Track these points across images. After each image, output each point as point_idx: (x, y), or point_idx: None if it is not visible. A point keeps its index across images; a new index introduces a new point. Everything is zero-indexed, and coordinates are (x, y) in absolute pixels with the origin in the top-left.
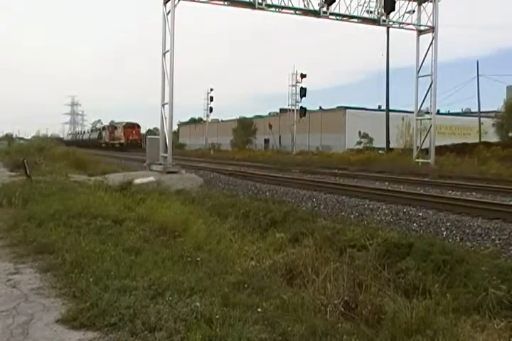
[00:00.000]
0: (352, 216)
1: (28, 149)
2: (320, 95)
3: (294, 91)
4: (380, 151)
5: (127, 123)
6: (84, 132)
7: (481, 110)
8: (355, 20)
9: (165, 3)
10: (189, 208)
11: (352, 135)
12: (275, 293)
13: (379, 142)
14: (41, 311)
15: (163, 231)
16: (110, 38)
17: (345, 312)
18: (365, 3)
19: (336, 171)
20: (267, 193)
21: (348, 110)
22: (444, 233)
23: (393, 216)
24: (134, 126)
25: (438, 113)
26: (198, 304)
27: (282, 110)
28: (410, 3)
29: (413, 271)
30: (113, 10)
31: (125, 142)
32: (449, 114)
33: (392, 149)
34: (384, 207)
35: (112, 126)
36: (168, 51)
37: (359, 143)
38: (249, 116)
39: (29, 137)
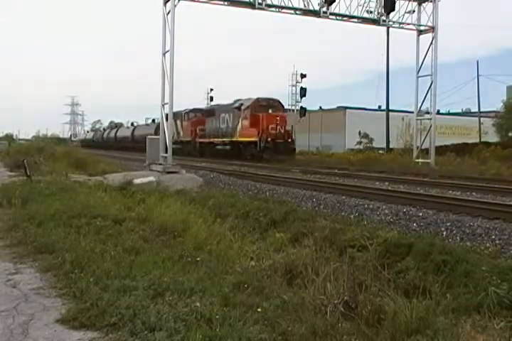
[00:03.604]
0: (352, 216)
1: (28, 149)
2: (320, 95)
3: (294, 92)
4: (380, 151)
5: (260, 100)
6: (116, 127)
7: (481, 110)
8: (355, 20)
9: (165, 3)
10: (189, 208)
11: (352, 135)
12: (275, 293)
13: (379, 142)
14: (41, 311)
15: (163, 231)
16: (110, 38)
17: (345, 312)
18: (365, 3)
19: (336, 171)
20: (267, 193)
21: (348, 110)
22: (444, 233)
23: (393, 216)
24: (276, 107)
25: (438, 113)
26: (198, 304)
27: None
28: (410, 3)
29: (413, 271)
30: (113, 10)
31: (262, 141)
32: (449, 114)
33: (392, 149)
34: (384, 207)
35: (210, 110)
36: (168, 51)
37: (359, 143)
38: None
39: (29, 137)
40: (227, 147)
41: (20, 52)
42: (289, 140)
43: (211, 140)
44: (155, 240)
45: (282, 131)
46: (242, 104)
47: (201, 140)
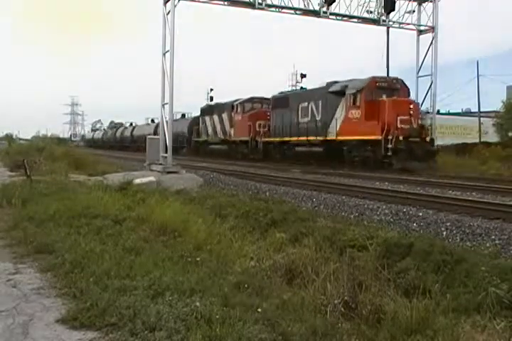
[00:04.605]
0: (352, 216)
1: (28, 149)
2: None
3: None
4: None
5: (377, 80)
6: (131, 125)
7: (481, 110)
8: (355, 20)
9: (165, 3)
10: (189, 208)
11: None
12: (275, 293)
13: None
14: (41, 311)
15: (163, 231)
16: (110, 38)
17: (345, 312)
18: (365, 3)
19: (336, 171)
20: (267, 193)
21: None
22: (444, 233)
23: (393, 216)
24: (401, 90)
25: (438, 113)
26: (198, 304)
27: None
28: (410, 3)
29: (413, 271)
30: (113, 10)
31: (391, 140)
32: (449, 114)
33: None
34: (384, 207)
35: (279, 99)
36: (168, 51)
37: None
38: None
39: (29, 137)
40: (317, 149)
41: (21, 51)
42: (427, 138)
43: (285, 139)
44: (155, 240)
45: (415, 126)
46: (346, 87)
47: (266, 139)
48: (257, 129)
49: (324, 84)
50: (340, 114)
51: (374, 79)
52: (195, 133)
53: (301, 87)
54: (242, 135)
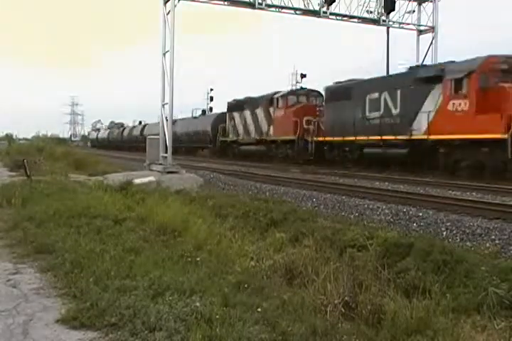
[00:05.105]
0: (352, 216)
1: (28, 149)
2: None
3: None
4: None
5: (495, 60)
6: (140, 123)
7: None
8: (355, 20)
9: (165, 3)
10: (189, 208)
11: None
12: (275, 293)
13: None
14: (41, 311)
15: (163, 231)
16: (110, 38)
17: (345, 312)
18: (365, 3)
19: (336, 171)
20: (267, 193)
21: None
22: (444, 233)
23: (393, 216)
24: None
25: None
26: (198, 304)
27: None
28: (410, 3)
29: (413, 271)
30: (114, 10)
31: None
32: None
33: None
34: (384, 207)
35: (335, 90)
36: (168, 51)
37: None
38: None
39: (29, 137)
40: (397, 151)
41: (20, 51)
42: None
43: (349, 138)
44: (155, 240)
45: None
46: (444, 70)
47: (321, 139)
48: (305, 126)
49: (407, 69)
50: (432, 106)
51: (490, 59)
52: (221, 131)
53: (301, 87)
54: (285, 133)
